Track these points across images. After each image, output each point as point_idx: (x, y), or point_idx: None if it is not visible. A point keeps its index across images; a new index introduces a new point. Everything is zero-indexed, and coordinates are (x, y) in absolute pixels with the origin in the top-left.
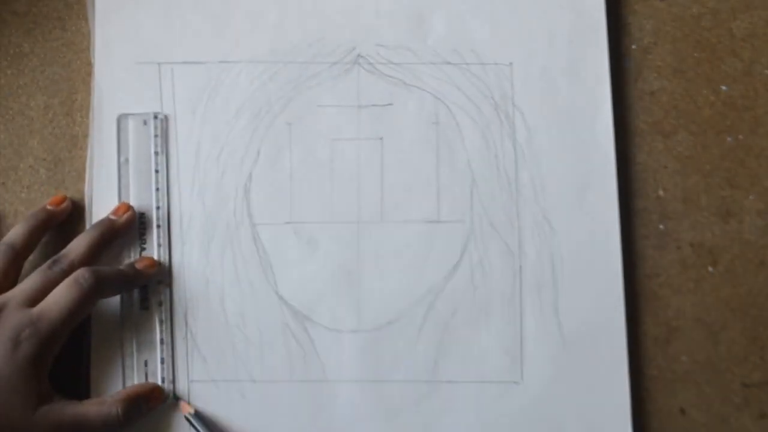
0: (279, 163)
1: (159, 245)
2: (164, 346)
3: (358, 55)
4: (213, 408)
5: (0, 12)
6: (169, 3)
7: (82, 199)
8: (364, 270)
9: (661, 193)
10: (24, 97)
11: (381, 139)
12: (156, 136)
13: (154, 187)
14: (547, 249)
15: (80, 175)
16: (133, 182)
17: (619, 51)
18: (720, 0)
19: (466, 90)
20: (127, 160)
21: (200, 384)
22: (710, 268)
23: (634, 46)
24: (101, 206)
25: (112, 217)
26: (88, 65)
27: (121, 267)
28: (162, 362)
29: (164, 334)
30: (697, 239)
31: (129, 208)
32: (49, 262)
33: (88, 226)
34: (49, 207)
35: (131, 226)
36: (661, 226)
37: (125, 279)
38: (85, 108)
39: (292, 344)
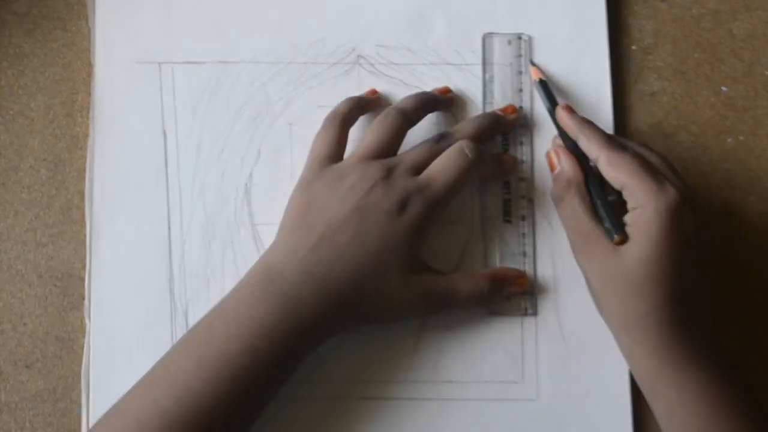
0: (280, 164)
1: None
2: (527, 259)
3: (359, 56)
4: None
5: (0, 12)
6: (169, 3)
7: (82, 200)
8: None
9: None
10: (24, 98)
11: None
12: (520, 56)
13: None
14: (548, 248)
15: (80, 175)
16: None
17: (619, 51)
18: (720, 1)
19: (467, 90)
20: (492, 77)
21: None
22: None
23: (634, 47)
24: (102, 206)
25: (500, 113)
26: (89, 65)
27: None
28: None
29: (527, 247)
30: None
31: (516, 110)
32: (435, 136)
33: (87, 228)
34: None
35: (513, 127)
36: None
37: (497, 162)
38: (86, 108)
39: None
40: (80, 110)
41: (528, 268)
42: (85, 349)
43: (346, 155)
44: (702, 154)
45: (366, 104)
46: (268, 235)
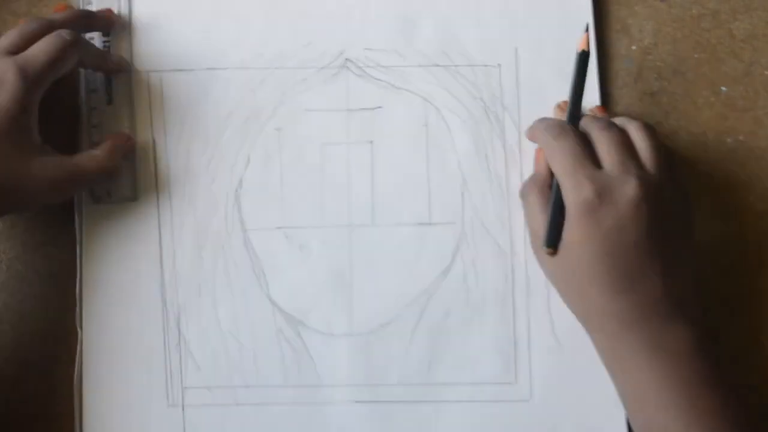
0: (269, 169)
1: None
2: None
3: (347, 59)
4: (207, 414)
5: (0, 12)
6: (156, 11)
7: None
8: (357, 274)
9: None
10: None
11: (371, 142)
12: None
13: None
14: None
15: None
16: None
17: (619, 51)
18: (720, 1)
19: (455, 92)
20: None
21: (194, 390)
22: (710, 269)
23: (634, 47)
24: (92, 214)
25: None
26: None
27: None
28: None
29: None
30: (697, 240)
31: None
32: (25, 22)
33: (78, 236)
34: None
35: (107, 25)
36: None
37: (101, 54)
38: None
39: (285, 349)
40: (79, 111)
41: (518, 269)
42: (77, 356)
43: None
44: (702, 154)
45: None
46: (260, 241)
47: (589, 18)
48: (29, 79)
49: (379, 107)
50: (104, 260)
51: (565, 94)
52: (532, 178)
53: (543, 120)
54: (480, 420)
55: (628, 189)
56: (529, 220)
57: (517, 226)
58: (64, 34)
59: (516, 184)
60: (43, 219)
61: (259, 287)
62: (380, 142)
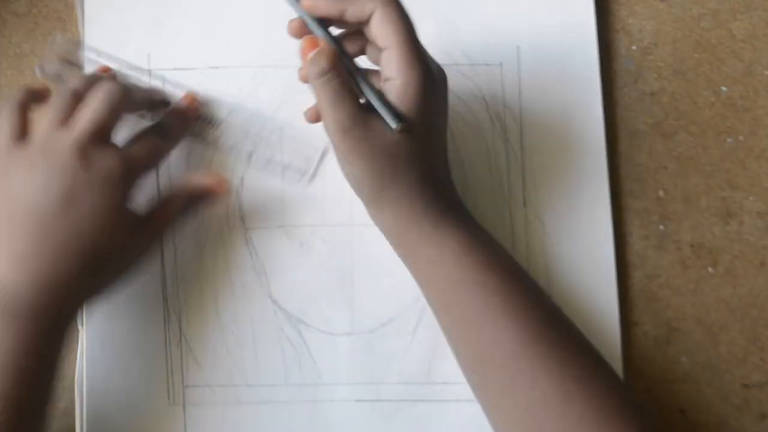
0: (271, 167)
1: None
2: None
3: None
4: (208, 413)
5: (0, 12)
6: (159, 10)
7: None
8: (358, 272)
9: (661, 193)
10: None
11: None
12: None
13: None
14: (540, 249)
15: None
16: None
17: (619, 52)
18: (720, 1)
19: (457, 91)
20: None
21: (195, 389)
22: (710, 269)
23: (634, 47)
24: None
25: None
26: None
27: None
28: None
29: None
30: (697, 240)
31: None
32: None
33: None
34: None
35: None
36: (661, 227)
37: (148, 95)
38: None
39: (286, 348)
40: None
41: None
42: (78, 355)
43: None
44: (702, 154)
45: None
46: (261, 239)
47: (590, 17)
48: (133, 175)
49: None
50: None
51: (566, 93)
52: (319, 58)
53: None
54: (480, 419)
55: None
56: (328, 103)
57: (519, 227)
58: (105, 85)
59: (517, 184)
60: None
61: (260, 286)
62: None
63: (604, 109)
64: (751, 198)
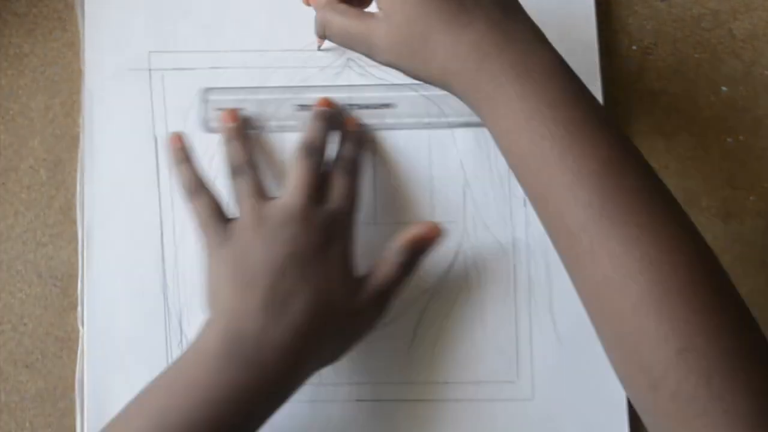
0: (271, 167)
1: None
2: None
3: (348, 59)
4: None
5: (0, 12)
6: (159, 10)
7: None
8: (359, 272)
9: None
10: (24, 98)
11: (373, 141)
12: None
13: None
14: (541, 248)
15: None
16: None
17: (620, 52)
18: (720, 1)
19: None
20: None
21: None
22: None
23: (634, 47)
24: (94, 213)
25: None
26: None
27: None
28: None
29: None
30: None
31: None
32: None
33: (79, 231)
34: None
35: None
36: None
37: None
38: None
39: None
40: (80, 110)
41: (520, 267)
42: (78, 356)
43: None
44: (702, 154)
45: None
46: None
47: (590, 17)
48: (347, 226)
49: (381, 106)
50: (105, 258)
51: None
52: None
53: None
54: (482, 419)
55: None
56: (340, 31)
57: (520, 225)
58: (348, 167)
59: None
60: (43, 219)
61: None
62: (382, 141)
63: (605, 109)
64: (751, 198)
